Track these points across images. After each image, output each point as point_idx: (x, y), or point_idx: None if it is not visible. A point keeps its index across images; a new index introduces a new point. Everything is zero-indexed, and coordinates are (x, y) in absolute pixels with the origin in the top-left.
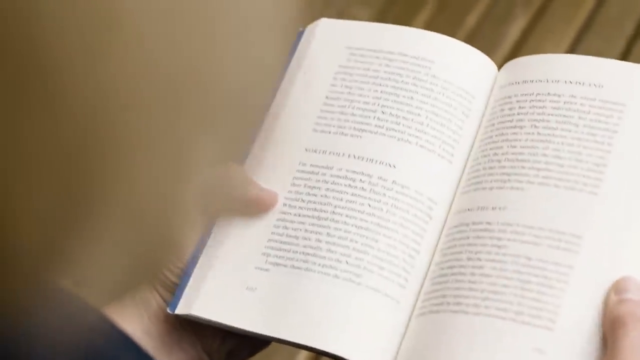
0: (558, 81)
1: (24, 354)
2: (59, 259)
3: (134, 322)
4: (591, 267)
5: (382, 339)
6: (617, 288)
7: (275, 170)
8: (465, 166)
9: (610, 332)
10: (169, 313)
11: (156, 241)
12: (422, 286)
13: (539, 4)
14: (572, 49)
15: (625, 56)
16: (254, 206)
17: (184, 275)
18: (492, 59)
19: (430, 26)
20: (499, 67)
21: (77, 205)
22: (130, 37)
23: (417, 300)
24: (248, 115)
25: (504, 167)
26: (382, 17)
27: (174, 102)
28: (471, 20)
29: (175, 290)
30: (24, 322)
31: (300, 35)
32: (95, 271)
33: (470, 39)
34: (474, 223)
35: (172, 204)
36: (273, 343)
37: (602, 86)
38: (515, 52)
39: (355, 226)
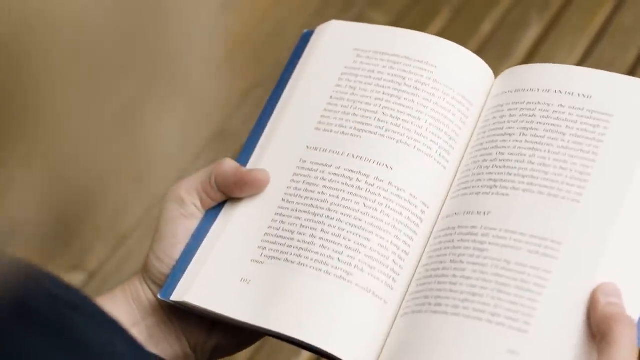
0: (549, 90)
1: None
2: None
3: (124, 313)
4: (568, 273)
5: (368, 337)
6: (604, 291)
7: (276, 166)
8: (457, 172)
9: (606, 328)
10: (157, 307)
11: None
12: (408, 288)
13: (554, 12)
14: (585, 57)
15: (637, 64)
16: (248, 185)
17: (178, 264)
18: (505, 67)
19: (445, 33)
20: None
21: None
22: None
23: (403, 301)
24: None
25: (491, 173)
26: (398, 23)
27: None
28: (486, 27)
29: (166, 280)
30: None
31: (307, 36)
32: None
33: (485, 46)
34: (459, 227)
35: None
36: (266, 345)
37: (591, 97)
38: (528, 59)
39: (349, 224)
